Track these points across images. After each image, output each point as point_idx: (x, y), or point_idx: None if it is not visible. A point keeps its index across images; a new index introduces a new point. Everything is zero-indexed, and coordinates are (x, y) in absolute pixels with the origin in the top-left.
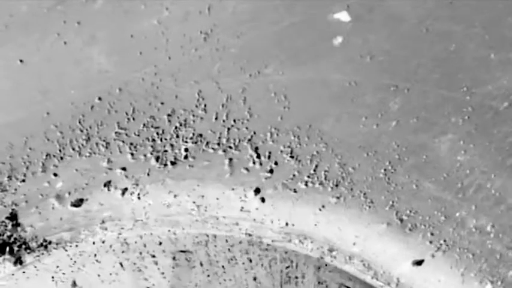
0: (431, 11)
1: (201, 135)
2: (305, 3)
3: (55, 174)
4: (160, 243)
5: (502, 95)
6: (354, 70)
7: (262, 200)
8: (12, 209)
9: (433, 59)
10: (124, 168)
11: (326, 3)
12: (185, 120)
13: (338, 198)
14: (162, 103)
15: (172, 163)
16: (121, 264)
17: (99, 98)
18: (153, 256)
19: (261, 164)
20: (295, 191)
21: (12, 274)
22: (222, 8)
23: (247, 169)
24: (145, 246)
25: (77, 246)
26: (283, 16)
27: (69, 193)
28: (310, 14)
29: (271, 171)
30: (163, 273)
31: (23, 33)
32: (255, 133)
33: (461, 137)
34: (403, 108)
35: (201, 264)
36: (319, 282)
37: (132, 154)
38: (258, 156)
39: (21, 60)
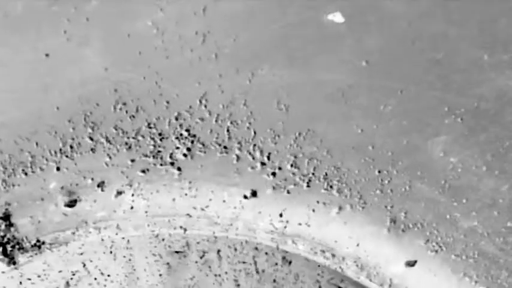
0: (425, 12)
1: (195, 135)
2: (299, 5)
3: (58, 169)
4: (154, 244)
5: (495, 96)
6: (348, 71)
7: (246, 197)
8: (6, 209)
9: (427, 61)
10: (122, 169)
11: (320, 4)
12: (184, 121)
13: (331, 199)
14: (163, 102)
15: (171, 163)
16: (114, 259)
17: (119, 103)
18: (148, 256)
19: (262, 165)
20: (288, 192)
21: (3, 272)
22: (217, 9)
23: (244, 170)
24: (139, 246)
25: (67, 245)
26: (277, 17)
27: (63, 193)
28: (305, 15)
29: (273, 174)
30: (157, 273)
31: (18, 32)
32: (255, 133)
33: (454, 138)
34: (397, 109)
35: (196, 263)
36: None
37: (128, 153)
38: (257, 158)
39: (47, 55)
